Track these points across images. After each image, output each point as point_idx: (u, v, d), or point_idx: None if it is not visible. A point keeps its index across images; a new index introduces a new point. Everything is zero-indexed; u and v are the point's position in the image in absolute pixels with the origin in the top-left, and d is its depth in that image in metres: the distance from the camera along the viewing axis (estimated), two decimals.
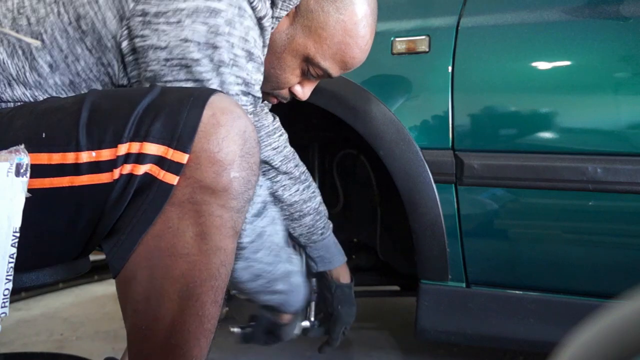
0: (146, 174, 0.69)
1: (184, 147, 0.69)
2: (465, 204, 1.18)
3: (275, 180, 1.25)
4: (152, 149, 0.69)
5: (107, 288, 2.51)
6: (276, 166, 1.24)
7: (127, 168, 0.69)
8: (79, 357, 1.08)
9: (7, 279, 0.63)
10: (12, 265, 0.63)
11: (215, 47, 0.79)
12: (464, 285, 1.22)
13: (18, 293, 2.17)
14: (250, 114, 0.87)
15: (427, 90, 1.22)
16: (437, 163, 1.19)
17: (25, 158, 0.64)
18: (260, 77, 0.88)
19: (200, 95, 0.72)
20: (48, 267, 0.85)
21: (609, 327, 0.35)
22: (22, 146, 0.66)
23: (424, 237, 1.21)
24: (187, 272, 0.72)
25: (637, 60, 1.08)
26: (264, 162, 1.24)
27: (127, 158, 0.69)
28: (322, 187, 1.55)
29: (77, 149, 0.69)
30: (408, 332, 1.72)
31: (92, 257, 0.99)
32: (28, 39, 0.81)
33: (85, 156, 0.69)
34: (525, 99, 1.15)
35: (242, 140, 0.72)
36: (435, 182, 1.19)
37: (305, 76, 1.02)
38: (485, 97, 1.17)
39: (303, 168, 1.29)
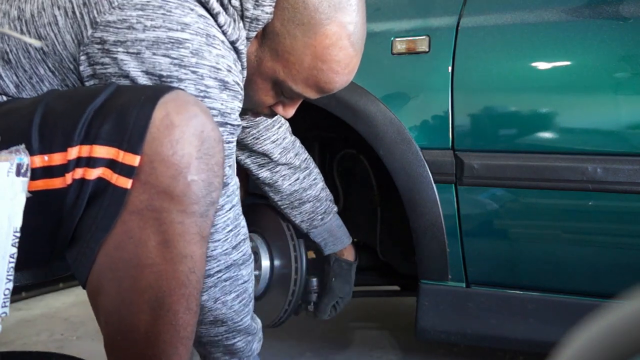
0: (100, 179, 0.67)
1: (134, 148, 0.66)
2: (465, 204, 1.18)
3: (274, 170, 1.25)
4: (101, 151, 0.66)
5: None
6: (275, 159, 1.23)
7: (78, 172, 0.66)
8: (74, 357, 1.08)
9: (7, 278, 0.63)
10: (13, 265, 0.63)
11: (180, 80, 0.74)
12: (464, 285, 1.22)
13: (18, 293, 2.17)
14: (231, 143, 0.83)
15: (427, 90, 1.22)
16: (437, 163, 1.19)
17: (25, 158, 0.64)
18: (238, 104, 0.82)
19: (152, 94, 0.69)
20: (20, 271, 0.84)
21: (609, 327, 0.35)
22: (23, 146, 0.66)
23: (424, 237, 1.21)
24: (155, 283, 0.69)
25: (637, 60, 1.08)
26: (263, 154, 1.22)
27: (78, 162, 0.66)
28: None
29: (30, 152, 0.66)
30: (408, 332, 1.72)
31: None
32: (28, 39, 0.80)
33: (38, 160, 0.66)
34: (525, 99, 1.15)
35: (198, 141, 0.68)
36: (435, 182, 1.19)
37: (280, 97, 0.95)
38: (485, 97, 1.17)
39: (304, 155, 1.28)
